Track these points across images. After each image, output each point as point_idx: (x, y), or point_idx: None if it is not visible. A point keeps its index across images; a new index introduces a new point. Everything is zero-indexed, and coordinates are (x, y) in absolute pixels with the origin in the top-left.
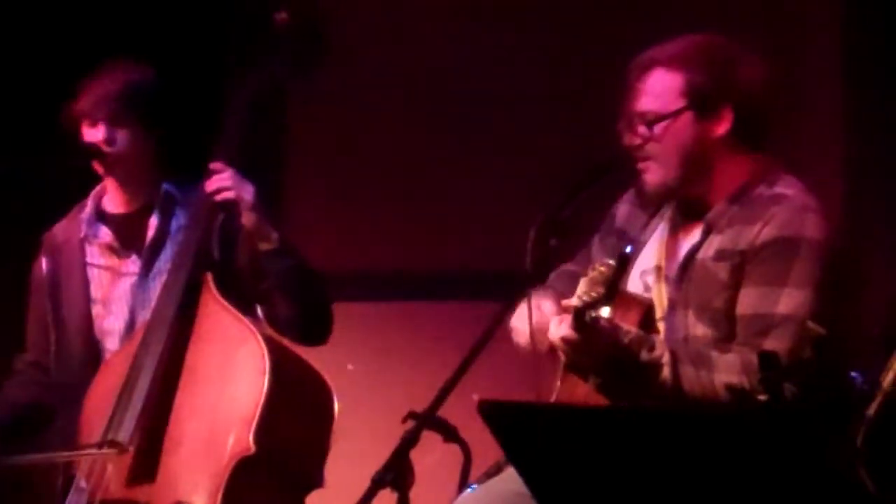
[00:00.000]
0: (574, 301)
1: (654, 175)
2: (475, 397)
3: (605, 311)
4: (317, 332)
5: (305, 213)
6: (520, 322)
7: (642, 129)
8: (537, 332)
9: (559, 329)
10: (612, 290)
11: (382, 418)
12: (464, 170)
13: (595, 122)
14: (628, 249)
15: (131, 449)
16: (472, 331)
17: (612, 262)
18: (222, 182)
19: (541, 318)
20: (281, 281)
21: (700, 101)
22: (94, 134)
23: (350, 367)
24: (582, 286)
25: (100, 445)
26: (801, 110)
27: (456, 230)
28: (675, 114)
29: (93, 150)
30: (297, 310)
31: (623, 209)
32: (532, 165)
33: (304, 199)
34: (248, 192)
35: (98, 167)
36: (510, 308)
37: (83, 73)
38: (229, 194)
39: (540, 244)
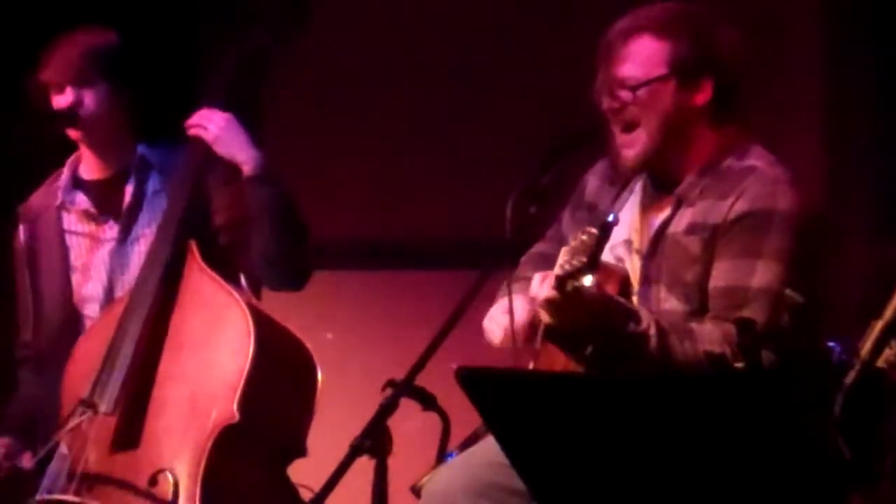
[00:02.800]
0: (556, 270)
1: (637, 147)
2: (454, 366)
3: (587, 280)
4: (295, 271)
5: (288, 179)
6: (490, 322)
7: (624, 94)
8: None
9: (542, 289)
10: (595, 258)
11: (361, 387)
12: (443, 138)
13: (574, 89)
14: (611, 217)
15: (109, 412)
16: (450, 299)
17: (594, 230)
18: (193, 120)
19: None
20: (264, 209)
21: (683, 70)
22: (62, 99)
23: (329, 335)
24: (563, 255)
25: (79, 412)
26: (782, 83)
27: (435, 198)
28: (659, 80)
29: (64, 117)
30: (277, 243)
31: (592, 182)
32: (511, 133)
33: (284, 167)
34: (214, 125)
35: (71, 133)
36: (488, 276)
37: (53, 39)
38: (195, 130)
39: (519, 212)
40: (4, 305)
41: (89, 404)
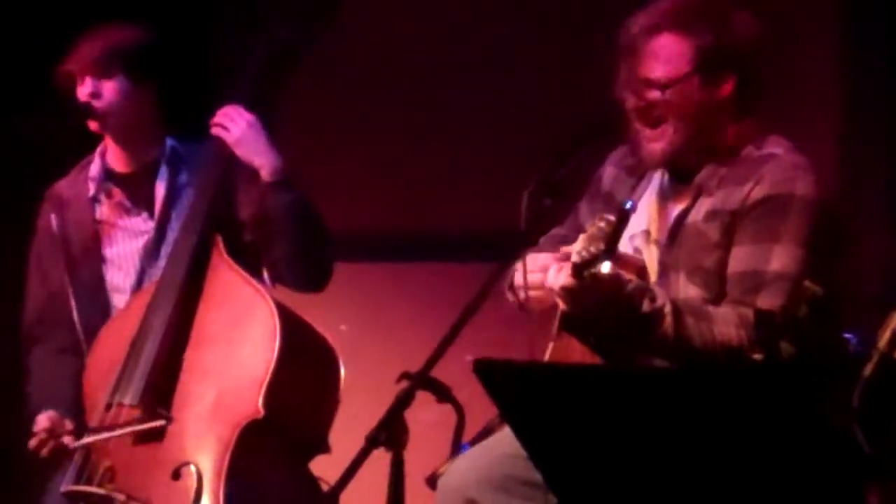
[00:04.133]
0: (573, 257)
1: (664, 141)
2: (468, 358)
3: (605, 267)
4: (316, 273)
5: (303, 172)
6: (517, 280)
7: (651, 94)
8: (531, 288)
9: (558, 278)
10: (612, 245)
11: (375, 379)
12: (458, 129)
13: (590, 81)
14: (629, 205)
15: (134, 405)
16: (465, 292)
17: (611, 217)
18: (217, 119)
19: (535, 271)
20: (282, 215)
21: (706, 66)
22: (82, 91)
23: (343, 327)
24: (580, 242)
25: (141, 420)
26: (797, 74)
27: (450, 190)
28: (686, 77)
29: (84, 108)
30: (297, 247)
31: (609, 172)
32: (527, 125)
33: (296, 159)
34: (236, 127)
35: (92, 124)
36: (504, 269)
37: (81, 30)
38: (217, 130)
39: (534, 204)
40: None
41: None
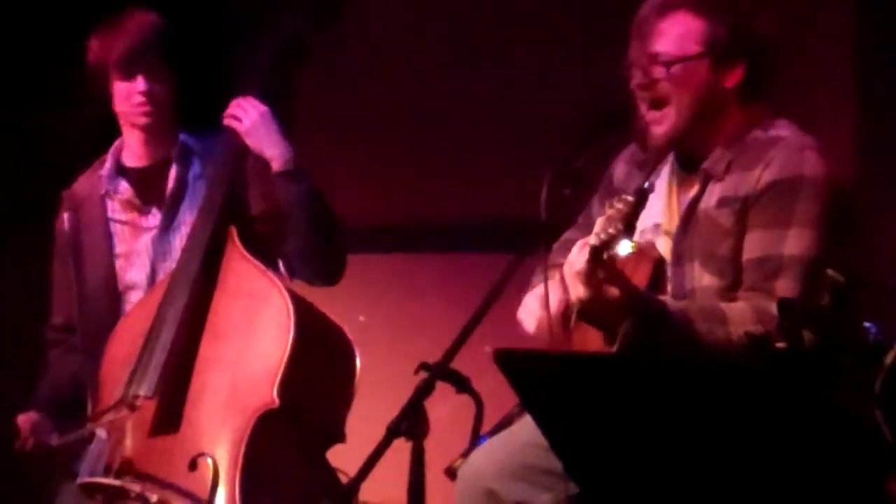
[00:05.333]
0: (591, 239)
1: (666, 124)
2: (487, 349)
3: (624, 246)
4: (329, 266)
5: (314, 164)
6: (524, 312)
7: (656, 70)
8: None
9: (577, 260)
10: (631, 225)
11: (393, 370)
12: (475, 119)
13: (609, 68)
14: (647, 185)
15: (149, 397)
16: (482, 282)
17: (630, 197)
18: (230, 110)
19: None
20: (293, 206)
21: (718, 50)
22: (131, 87)
23: (361, 318)
24: (599, 224)
25: (127, 404)
26: (812, 62)
27: (469, 180)
28: (693, 58)
29: (137, 105)
30: (310, 239)
31: (620, 169)
32: (544, 114)
33: (314, 150)
34: (247, 118)
35: (140, 119)
36: (522, 260)
37: (93, 25)
38: (230, 121)
39: (554, 193)
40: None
41: (128, 395)
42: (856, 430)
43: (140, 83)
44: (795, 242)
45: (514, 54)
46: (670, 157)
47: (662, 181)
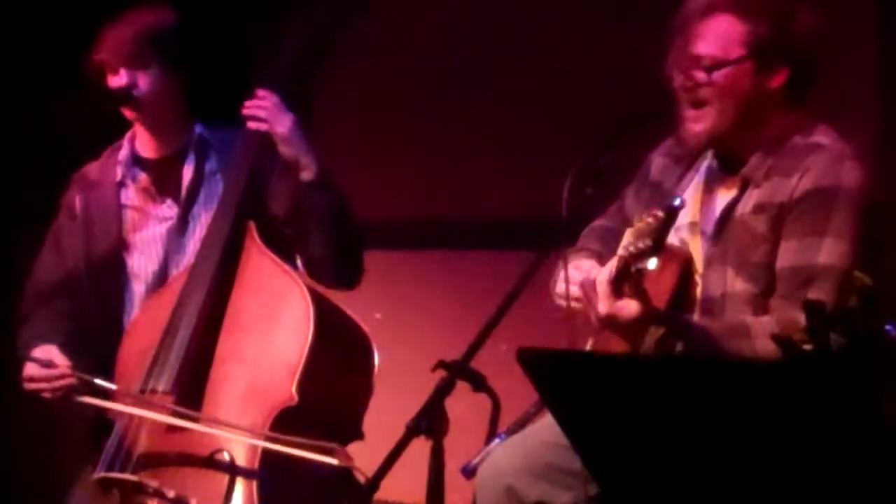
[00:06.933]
0: (620, 251)
1: (705, 123)
2: (504, 348)
3: (651, 263)
4: (350, 272)
5: (333, 160)
6: (561, 287)
7: (700, 74)
8: (573, 300)
9: (603, 273)
10: (660, 242)
11: (410, 367)
12: (495, 116)
13: (632, 69)
14: (678, 202)
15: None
16: (501, 280)
17: (660, 213)
18: (257, 111)
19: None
20: (319, 215)
21: (761, 54)
22: (117, 80)
23: (378, 315)
24: (627, 237)
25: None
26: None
27: (489, 178)
28: (737, 62)
29: (119, 97)
30: (332, 247)
31: (658, 161)
32: (566, 112)
33: (332, 146)
34: (281, 124)
35: (127, 113)
36: (543, 258)
37: (111, 16)
38: (261, 125)
39: (575, 192)
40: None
41: (147, 389)
42: (882, 433)
43: (122, 75)
44: (830, 252)
45: (535, 51)
46: (709, 154)
47: (700, 177)
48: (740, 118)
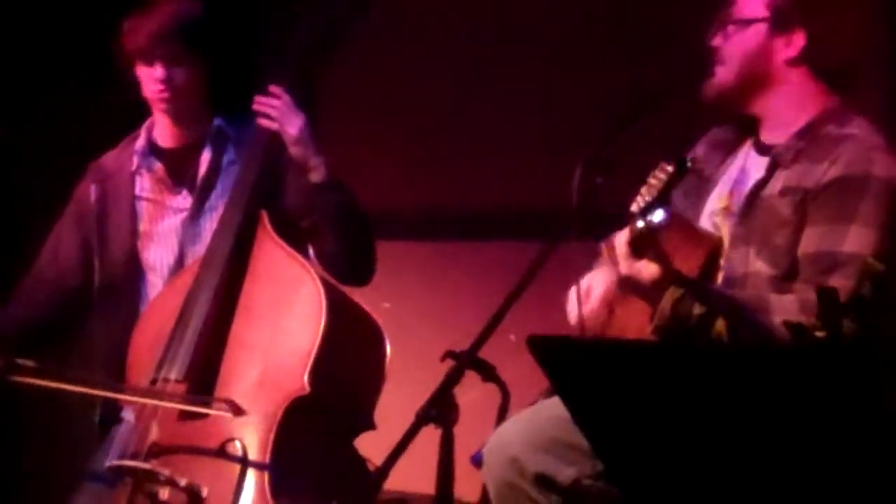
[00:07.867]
0: (632, 207)
1: (715, 78)
2: (512, 337)
3: (657, 216)
4: (361, 270)
5: (340, 151)
6: (570, 306)
7: (721, 32)
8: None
9: (622, 236)
10: (665, 194)
11: (419, 357)
12: (503, 105)
13: (641, 57)
14: (688, 157)
15: (180, 380)
16: (510, 270)
17: (669, 167)
18: (269, 109)
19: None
20: (329, 216)
21: (776, 13)
22: (151, 73)
23: (386, 305)
24: (642, 191)
25: (208, 401)
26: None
27: (497, 167)
28: (750, 21)
29: (153, 90)
30: (343, 246)
31: (700, 150)
32: (577, 101)
33: (339, 137)
34: (293, 125)
35: (158, 105)
36: (552, 248)
37: (129, 6)
38: (272, 124)
39: (585, 182)
40: None
41: (159, 378)
42: (891, 420)
43: (158, 71)
44: (855, 240)
45: (547, 42)
46: (749, 141)
47: (739, 162)
48: (744, 76)
